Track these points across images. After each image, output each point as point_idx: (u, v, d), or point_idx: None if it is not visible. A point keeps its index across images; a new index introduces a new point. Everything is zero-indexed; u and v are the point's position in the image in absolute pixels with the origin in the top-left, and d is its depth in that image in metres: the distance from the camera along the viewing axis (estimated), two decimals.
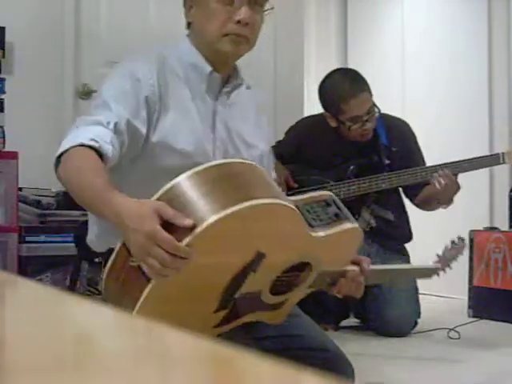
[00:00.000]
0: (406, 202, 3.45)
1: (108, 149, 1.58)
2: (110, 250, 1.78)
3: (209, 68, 1.84)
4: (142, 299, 1.38)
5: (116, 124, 1.65)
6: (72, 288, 2.95)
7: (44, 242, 3.15)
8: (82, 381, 0.42)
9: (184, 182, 1.42)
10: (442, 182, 3.01)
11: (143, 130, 1.72)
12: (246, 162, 1.58)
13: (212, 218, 1.35)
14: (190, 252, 1.34)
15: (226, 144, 1.86)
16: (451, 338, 3.14)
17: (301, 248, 1.58)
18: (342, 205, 1.67)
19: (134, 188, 1.58)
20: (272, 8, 1.84)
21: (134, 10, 4.14)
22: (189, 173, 1.43)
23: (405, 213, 3.48)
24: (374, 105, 3.16)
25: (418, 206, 3.35)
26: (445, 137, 4.51)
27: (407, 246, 3.49)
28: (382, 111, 3.20)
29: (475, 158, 3.10)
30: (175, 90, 1.80)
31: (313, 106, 4.54)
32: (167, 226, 1.35)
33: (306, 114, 4.13)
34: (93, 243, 1.90)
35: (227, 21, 1.77)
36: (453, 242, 2.74)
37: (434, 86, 4.74)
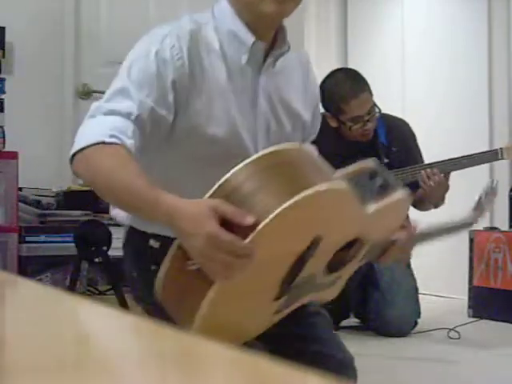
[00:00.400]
0: None
1: (131, 144, 1.44)
2: (133, 229, 1.69)
3: (251, 38, 1.61)
4: (205, 302, 1.34)
5: (138, 116, 1.48)
6: (72, 288, 2.95)
7: (44, 242, 3.15)
8: (82, 381, 0.42)
9: (237, 175, 1.35)
10: (429, 182, 2.99)
11: (170, 117, 1.54)
12: (294, 147, 1.51)
13: (273, 213, 1.30)
14: (253, 250, 1.28)
15: (269, 120, 1.69)
16: (451, 338, 3.14)
17: (355, 226, 1.56)
18: (386, 172, 1.63)
19: (154, 180, 1.44)
20: None
21: (133, 10, 4.14)
22: (241, 165, 1.35)
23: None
24: (375, 105, 3.16)
25: (413, 206, 3.35)
26: (445, 136, 4.51)
27: None
28: (382, 111, 3.20)
29: (474, 154, 3.08)
30: (209, 68, 1.59)
31: None
32: (225, 222, 1.29)
33: None
34: (120, 216, 1.74)
35: None
36: (488, 188, 2.55)
37: (433, 86, 4.73)
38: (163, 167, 1.60)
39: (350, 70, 3.50)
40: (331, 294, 1.70)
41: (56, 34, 3.86)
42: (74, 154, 1.44)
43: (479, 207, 2.33)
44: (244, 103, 1.65)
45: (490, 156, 3.11)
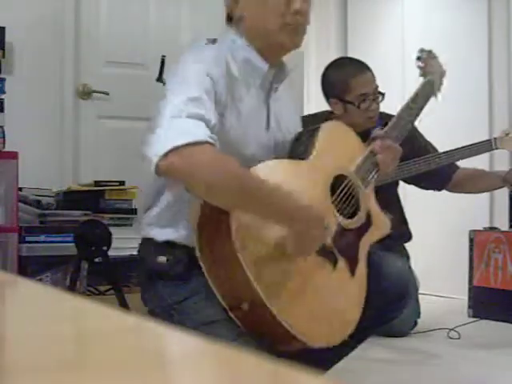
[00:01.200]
0: (405, 201, 3.43)
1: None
2: (144, 245, 1.88)
3: (266, 65, 1.80)
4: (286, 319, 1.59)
5: (214, 124, 1.62)
6: (72, 288, 2.95)
7: (44, 242, 3.15)
8: (82, 381, 0.42)
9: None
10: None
11: None
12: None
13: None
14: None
15: (278, 138, 1.88)
16: (451, 338, 3.14)
17: (322, 175, 1.81)
18: (304, 130, 1.94)
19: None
20: None
21: (133, 10, 4.13)
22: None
23: (403, 213, 3.47)
24: (379, 92, 3.13)
25: (451, 189, 3.29)
26: (444, 136, 4.51)
27: (407, 245, 3.48)
28: (382, 110, 3.18)
29: (467, 146, 3.06)
30: (235, 92, 1.76)
31: (312, 106, 4.53)
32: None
33: (306, 113, 4.13)
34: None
35: (286, 11, 1.74)
36: (419, 58, 2.73)
37: None
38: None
39: (350, 57, 3.54)
40: (385, 227, 1.99)
41: (56, 34, 3.86)
42: (169, 150, 1.53)
43: (426, 71, 2.60)
44: (261, 125, 1.83)
45: (483, 146, 3.08)
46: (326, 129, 1.91)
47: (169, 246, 1.78)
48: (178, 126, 1.56)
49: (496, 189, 3.33)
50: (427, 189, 3.36)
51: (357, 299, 1.77)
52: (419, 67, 2.55)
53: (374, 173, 1.97)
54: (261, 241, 1.62)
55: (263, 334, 1.61)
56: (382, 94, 3.14)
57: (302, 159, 1.82)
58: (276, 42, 1.78)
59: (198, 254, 1.64)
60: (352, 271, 1.79)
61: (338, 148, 1.93)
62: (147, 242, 1.85)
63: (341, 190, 1.86)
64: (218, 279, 1.62)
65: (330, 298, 1.72)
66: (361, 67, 3.16)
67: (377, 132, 2.03)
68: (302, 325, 1.59)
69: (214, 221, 1.62)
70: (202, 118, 1.58)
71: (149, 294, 1.85)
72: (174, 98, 1.61)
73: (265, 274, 1.60)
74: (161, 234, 1.80)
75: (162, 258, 1.78)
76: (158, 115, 1.60)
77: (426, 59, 2.58)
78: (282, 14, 1.74)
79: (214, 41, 1.80)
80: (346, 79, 3.12)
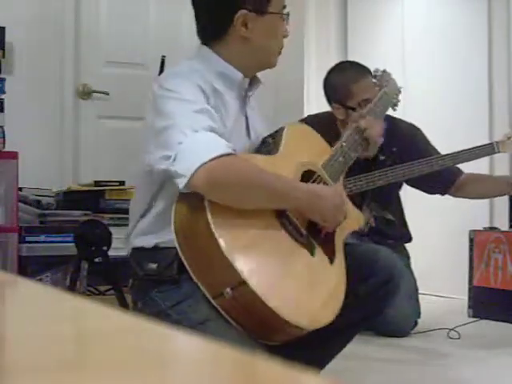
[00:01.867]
0: (405, 202, 3.42)
1: None
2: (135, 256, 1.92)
3: (240, 75, 1.91)
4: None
5: (222, 133, 1.74)
6: (72, 288, 2.95)
7: (44, 242, 3.15)
8: (82, 381, 0.42)
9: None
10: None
11: None
12: None
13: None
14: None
15: (255, 145, 1.99)
16: (451, 338, 3.14)
17: (291, 169, 1.88)
18: (270, 133, 2.01)
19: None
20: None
21: (133, 10, 4.14)
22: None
23: (404, 214, 3.47)
24: None
25: (453, 193, 3.29)
26: (444, 136, 4.51)
27: (407, 246, 3.49)
28: None
29: (469, 149, 3.06)
30: (220, 107, 1.85)
31: (313, 107, 4.53)
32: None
33: (306, 114, 4.13)
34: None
35: (282, 37, 1.96)
36: (375, 77, 2.78)
37: (434, 86, 4.73)
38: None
39: (351, 60, 3.52)
40: (359, 220, 2.08)
41: (56, 34, 3.86)
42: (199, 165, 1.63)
43: (382, 85, 2.66)
44: (243, 134, 1.93)
45: (485, 150, 3.08)
46: (290, 129, 2.00)
47: (158, 251, 1.82)
48: (200, 140, 1.66)
49: (502, 195, 3.32)
50: (430, 193, 3.35)
51: (337, 286, 1.80)
52: (375, 83, 2.71)
53: (359, 148, 2.10)
54: (238, 224, 1.68)
55: (249, 322, 1.63)
56: None
57: (274, 153, 1.91)
58: (269, 63, 1.95)
59: (176, 245, 1.68)
60: (331, 260, 1.84)
61: (304, 146, 2.03)
62: (136, 251, 1.89)
63: (311, 183, 1.94)
64: (197, 268, 1.67)
65: (311, 281, 1.76)
66: (362, 72, 3.16)
67: (355, 115, 2.14)
68: (283, 303, 1.63)
69: (190, 212, 1.68)
70: (214, 130, 1.70)
71: (142, 302, 1.88)
72: (181, 115, 1.71)
73: (243, 256, 1.64)
74: (150, 240, 1.84)
75: (152, 265, 1.82)
76: (165, 131, 1.70)
77: (382, 76, 2.72)
78: (281, 39, 1.94)
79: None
80: (348, 85, 3.13)
